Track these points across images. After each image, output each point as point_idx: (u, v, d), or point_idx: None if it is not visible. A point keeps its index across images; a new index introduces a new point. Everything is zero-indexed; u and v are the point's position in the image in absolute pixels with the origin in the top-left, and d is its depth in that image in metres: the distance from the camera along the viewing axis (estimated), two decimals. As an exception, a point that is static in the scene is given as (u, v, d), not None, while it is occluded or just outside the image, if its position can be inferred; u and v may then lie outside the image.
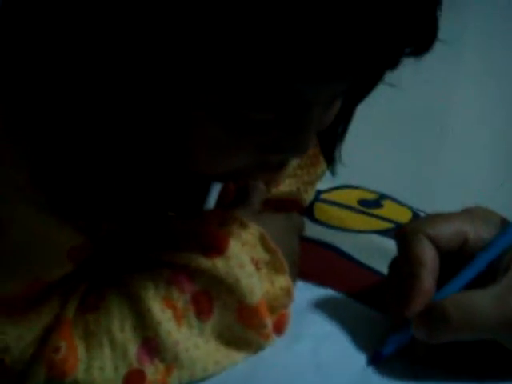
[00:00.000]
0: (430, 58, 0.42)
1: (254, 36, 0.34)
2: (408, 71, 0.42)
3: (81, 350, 0.42)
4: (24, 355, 0.42)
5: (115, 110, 0.40)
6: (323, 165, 0.62)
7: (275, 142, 0.42)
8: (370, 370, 0.47)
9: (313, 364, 0.47)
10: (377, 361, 0.47)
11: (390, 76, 0.43)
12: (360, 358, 0.47)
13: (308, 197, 0.66)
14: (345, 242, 0.62)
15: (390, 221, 0.67)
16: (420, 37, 0.40)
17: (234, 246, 0.45)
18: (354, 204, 0.70)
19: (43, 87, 0.40)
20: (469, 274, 0.46)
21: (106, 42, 0.37)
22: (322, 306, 0.53)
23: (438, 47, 0.41)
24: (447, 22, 0.41)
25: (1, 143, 0.42)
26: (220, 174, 0.45)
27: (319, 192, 0.71)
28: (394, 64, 0.41)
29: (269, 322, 0.46)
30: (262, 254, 0.47)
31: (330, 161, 0.54)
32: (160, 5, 0.35)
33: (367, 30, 0.35)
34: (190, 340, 0.44)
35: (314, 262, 0.59)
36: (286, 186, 0.64)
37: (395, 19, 0.36)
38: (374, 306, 0.53)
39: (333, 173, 0.56)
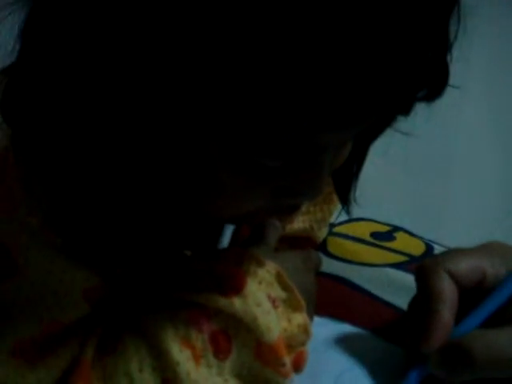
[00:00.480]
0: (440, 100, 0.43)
1: (269, 89, 0.35)
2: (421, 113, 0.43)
3: None
4: None
5: (129, 157, 0.41)
6: (336, 202, 0.63)
7: (288, 186, 0.43)
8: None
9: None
10: None
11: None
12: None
13: (321, 234, 0.66)
14: (359, 276, 0.62)
15: (403, 253, 0.66)
16: (432, 82, 0.40)
17: (251, 285, 0.45)
18: (367, 237, 0.70)
19: (57, 135, 0.40)
20: (487, 309, 0.46)
21: (120, 97, 0.38)
22: (339, 341, 0.53)
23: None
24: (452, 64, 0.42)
25: (15, 189, 0.42)
26: (233, 217, 0.45)
27: (332, 225, 0.71)
28: (407, 109, 0.41)
29: (287, 359, 0.45)
30: (278, 292, 0.47)
31: (345, 201, 0.55)
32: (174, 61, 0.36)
33: (382, 79, 0.36)
34: (209, 380, 0.44)
35: (329, 296, 0.59)
36: (299, 222, 0.64)
37: (408, 66, 0.37)
38: (392, 340, 0.53)
39: (348, 212, 0.56)
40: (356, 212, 0.71)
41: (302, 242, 0.64)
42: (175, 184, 0.43)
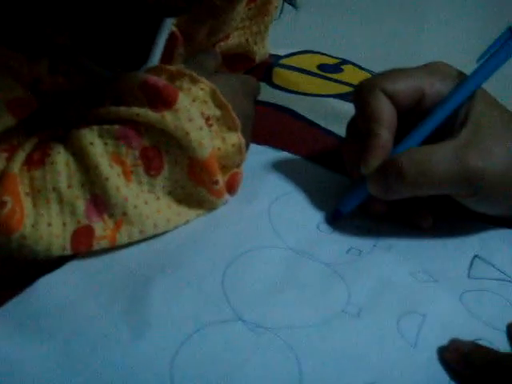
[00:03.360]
0: None
1: None
2: None
3: (27, 206, 0.41)
4: None
5: None
6: (272, 13, 0.61)
7: None
8: (323, 228, 0.47)
9: (268, 223, 0.47)
10: (336, 218, 0.47)
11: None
12: (316, 217, 0.48)
13: (258, 49, 0.64)
14: (302, 106, 0.61)
15: (348, 85, 0.65)
16: None
17: (184, 100, 0.43)
18: (314, 69, 0.68)
19: None
20: (426, 128, 0.45)
21: None
22: (278, 167, 0.52)
23: None
24: None
25: None
26: None
27: (279, 57, 0.69)
28: None
29: (220, 178, 0.45)
30: (213, 110, 0.45)
31: None
32: None
33: None
34: (140, 196, 0.43)
35: (270, 125, 0.58)
36: (234, 38, 0.62)
37: None
38: (331, 167, 0.53)
39: (294, 5, 0.53)
40: (304, 44, 0.69)
41: (240, 60, 0.62)
42: None
